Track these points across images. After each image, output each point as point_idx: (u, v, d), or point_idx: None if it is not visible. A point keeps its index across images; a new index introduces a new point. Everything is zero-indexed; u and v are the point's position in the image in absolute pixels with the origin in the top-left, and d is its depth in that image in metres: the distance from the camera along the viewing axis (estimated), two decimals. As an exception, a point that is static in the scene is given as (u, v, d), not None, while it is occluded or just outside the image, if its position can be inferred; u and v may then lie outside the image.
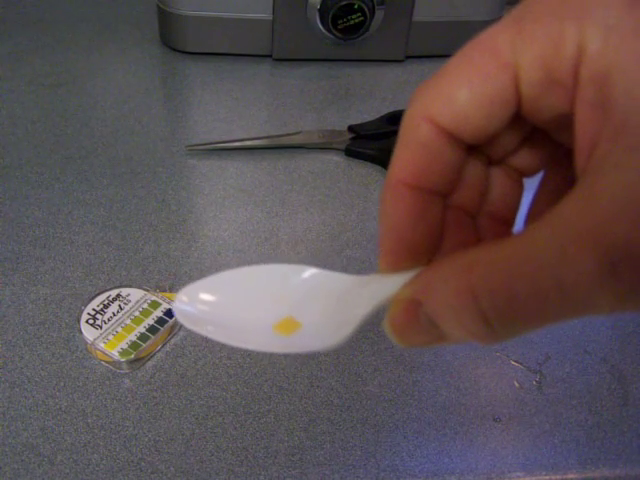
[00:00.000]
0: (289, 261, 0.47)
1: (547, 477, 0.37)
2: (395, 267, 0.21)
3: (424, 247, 0.21)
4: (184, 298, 0.22)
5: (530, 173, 0.23)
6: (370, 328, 0.43)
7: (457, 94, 0.19)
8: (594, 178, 0.17)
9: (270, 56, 0.69)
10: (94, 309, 0.42)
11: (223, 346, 0.42)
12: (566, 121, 0.19)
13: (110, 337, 0.40)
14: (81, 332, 0.41)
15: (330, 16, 0.64)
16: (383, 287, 0.21)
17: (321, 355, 0.42)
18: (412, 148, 0.20)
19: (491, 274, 0.17)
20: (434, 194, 0.21)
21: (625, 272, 0.16)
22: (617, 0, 0.17)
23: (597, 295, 0.16)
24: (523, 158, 0.22)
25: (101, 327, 0.41)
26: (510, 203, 0.23)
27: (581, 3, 0.17)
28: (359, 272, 0.47)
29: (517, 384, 0.41)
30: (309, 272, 0.23)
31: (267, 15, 0.66)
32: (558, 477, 0.37)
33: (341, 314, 0.22)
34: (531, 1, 0.18)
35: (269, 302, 0.22)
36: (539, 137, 0.22)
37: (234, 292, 0.23)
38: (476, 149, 0.22)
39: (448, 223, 0.22)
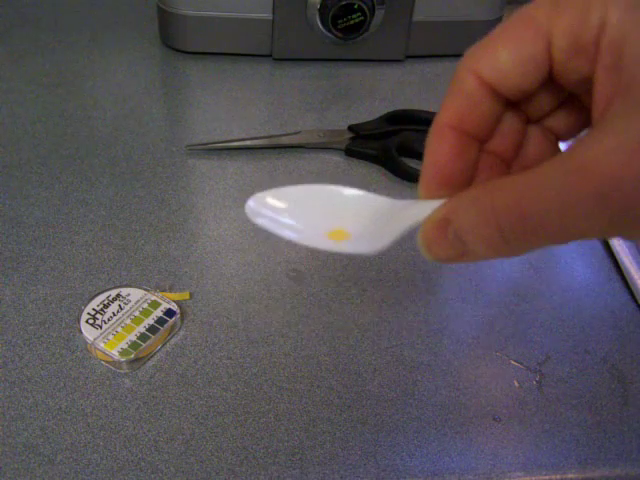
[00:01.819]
0: (288, 260, 0.47)
1: (547, 477, 0.37)
2: (432, 195, 0.25)
3: (459, 180, 0.25)
4: (253, 201, 0.28)
5: (565, 136, 0.26)
6: (370, 328, 0.44)
7: (499, 53, 0.23)
8: (602, 125, 0.20)
9: (270, 56, 0.69)
10: (94, 309, 0.42)
11: (223, 346, 0.42)
12: (590, 86, 0.22)
13: (110, 337, 0.40)
14: (81, 332, 0.41)
15: (330, 16, 0.64)
16: (420, 209, 0.25)
17: (321, 355, 0.42)
18: (458, 96, 0.24)
19: (509, 195, 0.21)
20: (473, 138, 0.25)
21: (614, 201, 0.19)
22: None
23: (590, 219, 0.19)
24: (559, 121, 0.26)
25: (101, 327, 0.41)
26: (543, 161, 0.26)
27: None
28: (359, 272, 0.47)
29: (517, 384, 0.41)
30: (359, 193, 0.27)
31: (267, 15, 0.66)
32: (558, 477, 0.37)
33: (384, 228, 0.25)
34: None
35: (325, 214, 0.27)
36: (574, 103, 0.25)
37: (296, 202, 0.27)
38: (516, 106, 0.25)
39: (483, 165, 0.26)
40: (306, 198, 0.27)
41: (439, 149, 0.25)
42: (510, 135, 0.26)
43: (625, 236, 0.21)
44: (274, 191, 0.27)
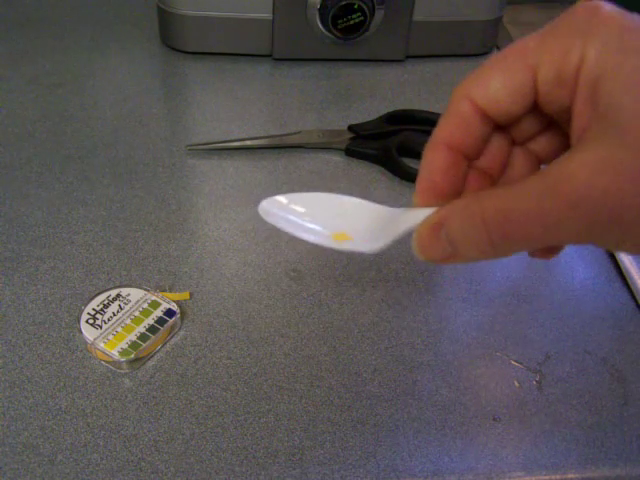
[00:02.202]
0: (288, 260, 0.47)
1: (547, 477, 0.37)
2: (425, 203, 0.28)
3: (449, 192, 0.28)
4: (267, 202, 0.30)
5: (546, 159, 0.29)
6: (370, 328, 0.44)
7: (492, 82, 0.26)
8: (578, 147, 0.23)
9: (270, 56, 0.69)
10: (94, 309, 0.42)
11: (223, 346, 0.42)
12: (570, 114, 0.25)
13: (110, 337, 0.40)
14: (81, 332, 0.41)
15: (330, 16, 0.64)
16: (414, 215, 0.28)
17: (321, 355, 0.42)
18: (453, 118, 0.27)
19: (496, 202, 0.24)
20: (464, 155, 0.28)
21: (583, 210, 0.22)
22: (611, 27, 0.23)
23: (565, 225, 0.22)
24: (540, 144, 0.29)
25: (101, 327, 0.41)
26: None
27: (587, 27, 0.23)
28: (359, 272, 0.47)
29: (517, 384, 0.41)
30: (360, 202, 0.30)
31: (267, 15, 0.66)
32: (558, 477, 0.37)
33: (382, 231, 0.29)
34: (554, 23, 0.25)
35: (329, 218, 0.30)
36: (555, 130, 0.28)
37: (304, 206, 0.31)
38: (503, 129, 0.28)
39: (471, 180, 0.29)
40: (313, 203, 0.31)
41: (433, 163, 0.28)
42: (497, 155, 0.29)
43: (600, 244, 0.24)
44: (286, 195, 0.31)
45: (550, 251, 0.29)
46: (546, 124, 0.28)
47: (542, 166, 0.30)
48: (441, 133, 0.27)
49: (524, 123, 0.28)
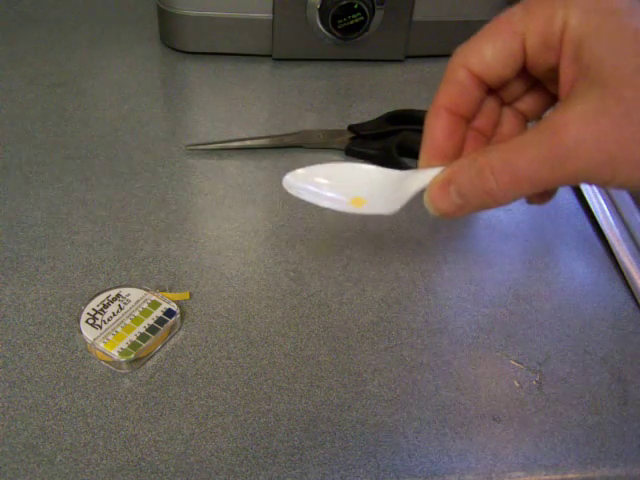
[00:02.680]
0: (288, 260, 0.47)
1: (547, 477, 0.37)
2: (430, 164, 0.31)
3: (451, 152, 0.31)
4: (290, 176, 0.33)
5: (532, 117, 0.33)
6: (370, 328, 0.44)
7: (485, 51, 0.29)
8: (568, 101, 0.26)
9: (270, 56, 0.69)
10: (94, 309, 0.42)
11: (223, 346, 0.42)
12: (555, 75, 0.28)
13: (110, 337, 0.40)
14: (81, 332, 0.41)
15: (330, 16, 0.63)
16: (423, 175, 0.31)
17: (321, 355, 0.42)
18: (451, 85, 0.30)
19: (502, 155, 0.27)
20: (462, 117, 0.31)
21: (575, 158, 0.25)
22: None
23: (559, 171, 0.26)
24: (526, 104, 0.33)
25: (101, 327, 0.41)
26: (515, 136, 0.31)
27: None
28: (359, 272, 0.47)
29: (517, 384, 0.41)
30: (374, 168, 0.33)
31: (267, 15, 0.66)
32: (558, 477, 0.37)
33: (395, 193, 0.31)
34: None
35: (346, 185, 0.33)
36: (539, 90, 0.32)
37: (323, 176, 0.33)
38: (494, 92, 0.32)
39: (468, 139, 0.32)
40: (331, 173, 0.33)
41: (436, 127, 0.31)
42: (490, 115, 0.32)
43: (592, 182, 0.27)
44: (306, 168, 0.33)
45: (544, 197, 0.32)
46: (531, 85, 0.32)
47: (529, 124, 0.33)
48: (441, 99, 0.31)
49: (513, 85, 0.31)
